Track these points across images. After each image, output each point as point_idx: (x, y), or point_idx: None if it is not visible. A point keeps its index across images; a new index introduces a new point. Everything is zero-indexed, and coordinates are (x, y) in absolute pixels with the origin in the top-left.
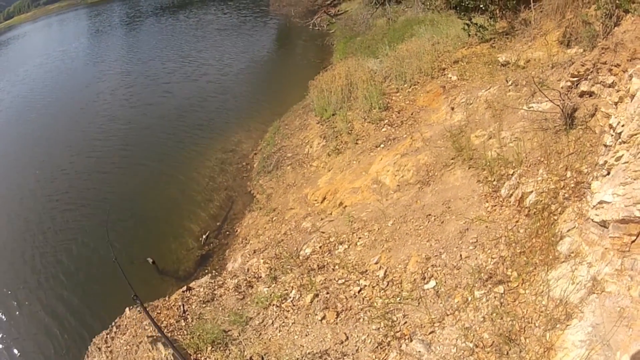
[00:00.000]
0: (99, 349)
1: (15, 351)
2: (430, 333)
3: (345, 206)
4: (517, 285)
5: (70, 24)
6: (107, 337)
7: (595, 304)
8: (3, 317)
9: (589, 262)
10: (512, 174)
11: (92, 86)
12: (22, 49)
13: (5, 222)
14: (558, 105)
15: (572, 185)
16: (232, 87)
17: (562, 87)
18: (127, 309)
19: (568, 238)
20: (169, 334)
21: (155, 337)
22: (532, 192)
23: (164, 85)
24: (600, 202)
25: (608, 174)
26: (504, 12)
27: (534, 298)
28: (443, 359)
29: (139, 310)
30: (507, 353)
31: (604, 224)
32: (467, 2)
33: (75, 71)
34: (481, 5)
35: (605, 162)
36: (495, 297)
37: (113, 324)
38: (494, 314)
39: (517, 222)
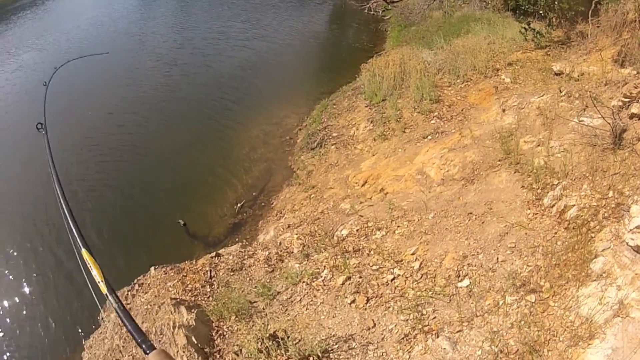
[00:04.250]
0: None
1: (26, 311)
2: (457, 332)
3: (387, 193)
4: (548, 297)
5: None
6: (127, 294)
7: (618, 327)
8: (14, 274)
9: (619, 285)
10: (556, 185)
11: (158, 34)
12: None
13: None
14: (609, 124)
15: (613, 205)
16: (283, 61)
17: (613, 106)
18: (152, 267)
19: (602, 257)
20: (193, 299)
21: (178, 300)
22: (574, 205)
23: (219, 47)
24: (637, 227)
25: None
26: (561, 21)
27: (562, 312)
28: (467, 359)
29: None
30: None
31: (637, 250)
32: (526, 6)
33: (135, 23)
34: (540, 12)
35: None
36: (525, 305)
37: (136, 281)
38: (522, 322)
39: (555, 233)
